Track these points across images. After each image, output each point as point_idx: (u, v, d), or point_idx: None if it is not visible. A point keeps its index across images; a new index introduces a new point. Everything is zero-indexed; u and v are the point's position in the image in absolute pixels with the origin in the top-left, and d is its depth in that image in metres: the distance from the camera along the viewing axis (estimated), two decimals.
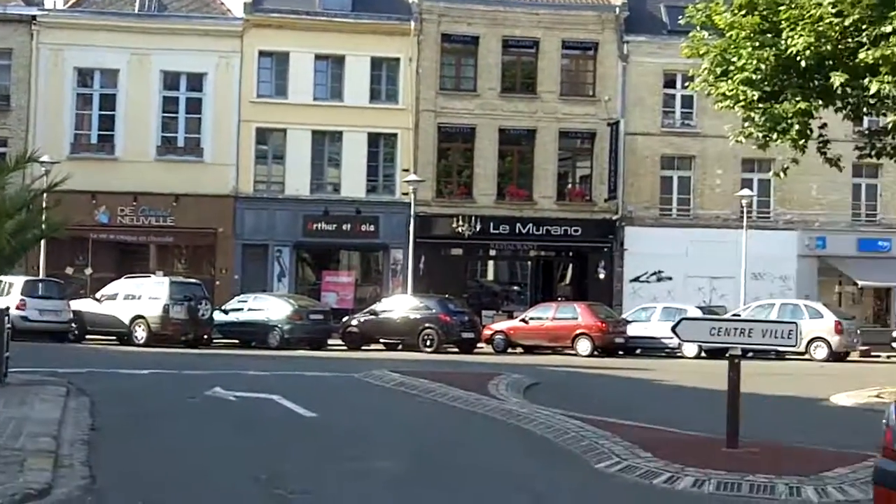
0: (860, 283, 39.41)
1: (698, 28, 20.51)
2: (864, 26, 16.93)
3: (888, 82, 16.53)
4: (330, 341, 32.20)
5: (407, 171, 36.91)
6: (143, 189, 36.68)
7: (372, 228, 38.39)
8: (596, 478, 10.57)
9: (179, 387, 18.03)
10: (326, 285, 38.77)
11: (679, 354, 31.09)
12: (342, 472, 10.48)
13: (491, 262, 42.70)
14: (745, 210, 35.30)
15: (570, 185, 40.78)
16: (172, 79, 37.90)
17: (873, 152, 21.91)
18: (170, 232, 37.52)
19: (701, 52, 20.10)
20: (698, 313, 29.10)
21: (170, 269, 36.26)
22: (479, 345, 32.45)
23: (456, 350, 31.28)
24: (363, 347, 31.63)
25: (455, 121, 38.89)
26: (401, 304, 32.70)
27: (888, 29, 16.16)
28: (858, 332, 33.43)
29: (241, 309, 32.42)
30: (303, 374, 21.43)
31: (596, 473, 10.74)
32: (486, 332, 33.19)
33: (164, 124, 37.94)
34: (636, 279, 39.00)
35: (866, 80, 17.00)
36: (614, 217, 39.13)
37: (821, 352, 31.40)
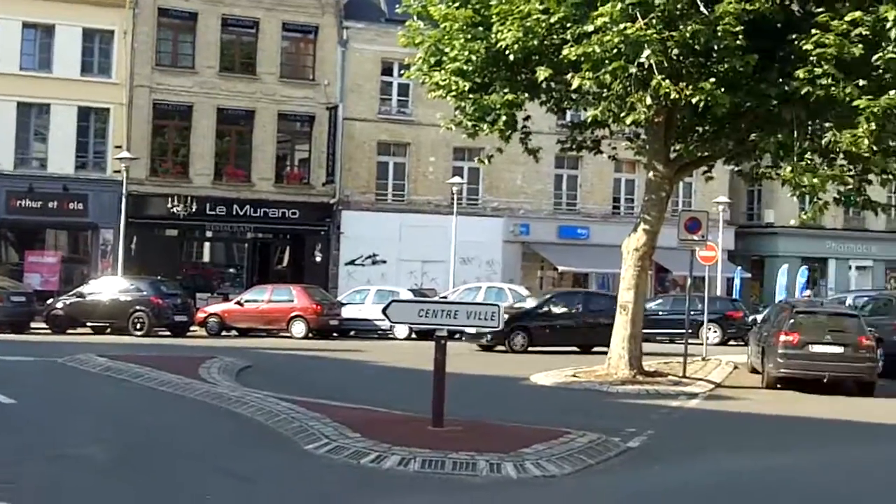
0: (560, 268, 41.51)
1: (415, 18, 20.91)
2: (568, 24, 17.72)
3: (589, 79, 17.40)
4: (33, 325, 30.62)
5: (119, 147, 35.56)
6: None
7: (80, 207, 36.79)
8: (305, 459, 10.69)
9: None
10: (30, 266, 36.80)
11: (391, 336, 31.72)
12: (44, 460, 10.10)
13: (207, 244, 41.99)
14: (455, 197, 36.41)
15: (288, 168, 40.67)
16: None
17: (574, 145, 23.18)
18: None
19: (416, 42, 20.50)
20: (410, 296, 29.78)
21: None
22: (192, 328, 31.83)
23: (168, 333, 30.55)
24: (69, 331, 30.31)
25: (171, 98, 37.88)
26: (110, 287, 31.51)
27: (590, 28, 16.98)
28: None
29: None
30: (1, 358, 20.37)
31: (305, 455, 10.86)
32: (200, 315, 32.62)
33: None
34: (352, 262, 39.43)
35: (569, 76, 17.84)
36: (332, 201, 39.36)
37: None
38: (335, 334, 32.28)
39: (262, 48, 38.82)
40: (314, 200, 39.23)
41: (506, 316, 27.03)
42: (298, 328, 31.47)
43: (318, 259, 39.21)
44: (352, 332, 32.86)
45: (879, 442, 14.23)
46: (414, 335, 30.87)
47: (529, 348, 27.53)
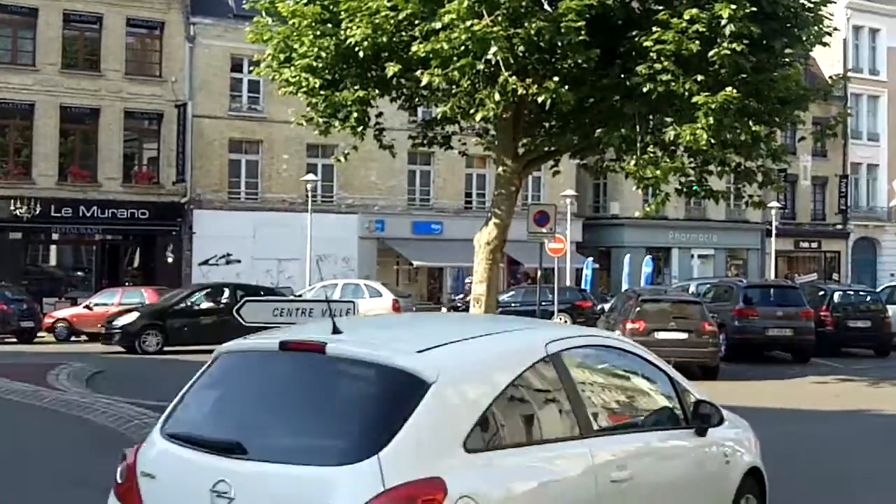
0: (415, 263, 41.80)
1: (263, 14, 20.78)
2: (416, 21, 17.87)
3: (438, 75, 17.56)
4: None
5: None
6: None
7: None
8: None
9: None
10: None
11: (247, 337, 31.31)
12: None
13: (53, 247, 40.66)
14: (309, 194, 36.19)
15: (136, 167, 39.76)
16: None
17: (426, 141, 23.40)
18: None
19: (265, 38, 20.38)
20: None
21: None
22: (40, 334, 30.86)
23: (14, 340, 29.53)
24: None
25: (11, 96, 36.59)
26: None
27: (438, 25, 17.16)
28: (414, 308, 35.46)
29: None
30: None
31: None
32: (48, 321, 31.66)
33: None
34: (205, 262, 38.86)
35: (419, 73, 17.99)
36: (182, 200, 38.70)
37: None
38: None
39: (106, 44, 37.86)
40: (164, 200, 38.51)
41: (135, 314, 26.58)
42: None
43: (170, 260, 38.53)
44: None
45: None
46: None
47: (166, 348, 25.68)
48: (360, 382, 4.84)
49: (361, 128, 20.30)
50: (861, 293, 30.08)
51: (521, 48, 17.09)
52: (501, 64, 16.84)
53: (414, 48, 17.56)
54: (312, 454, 4.54)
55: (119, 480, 5.24)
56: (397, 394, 4.63)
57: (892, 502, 9.77)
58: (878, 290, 31.90)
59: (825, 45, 20.13)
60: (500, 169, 20.88)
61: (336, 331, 5.13)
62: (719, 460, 6.41)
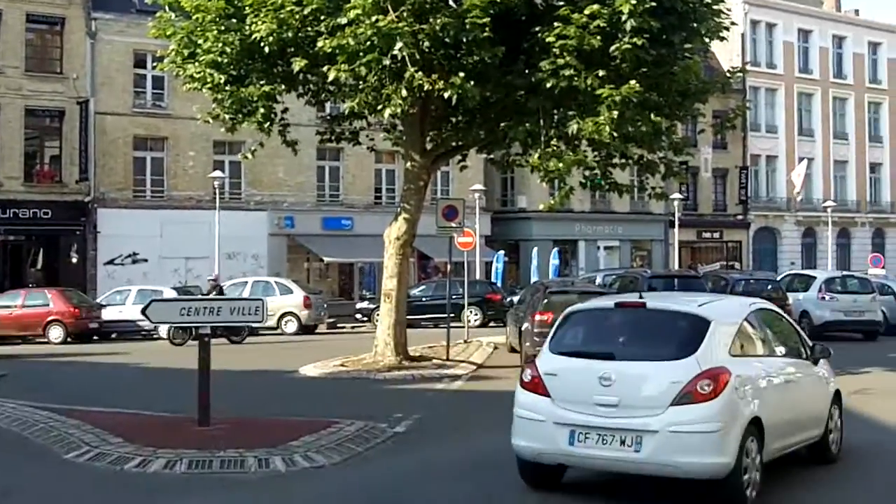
0: (326, 259, 41.65)
1: (166, 8, 20.51)
2: (322, 16, 17.81)
3: (344, 71, 17.52)
4: None
5: None
6: None
7: None
8: (65, 469, 10.42)
9: None
10: None
11: (156, 336, 30.96)
12: None
13: None
14: (217, 191, 35.76)
15: (38, 166, 38.91)
16: None
17: (333, 136, 23.35)
18: None
19: (168, 34, 20.12)
20: (174, 294, 29.24)
21: None
22: None
23: None
24: None
25: None
26: None
27: (344, 20, 17.13)
28: (326, 305, 35.38)
29: None
30: None
31: (65, 464, 10.58)
32: None
33: None
34: (111, 262, 38.20)
35: (325, 68, 17.92)
36: (86, 199, 37.97)
37: (291, 326, 32.86)
38: (96, 337, 31.24)
39: (5, 40, 36.95)
40: (68, 199, 37.74)
41: None
42: (56, 333, 30.25)
43: (75, 260, 37.79)
44: (114, 335, 31.89)
45: None
46: None
47: None
48: (672, 321, 9.17)
49: (268, 124, 20.17)
50: (762, 281, 30.76)
51: (427, 44, 17.15)
52: (407, 60, 16.90)
53: (320, 44, 17.49)
54: (656, 356, 8.72)
55: (527, 380, 9.05)
56: (696, 326, 8.83)
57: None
58: (778, 278, 32.67)
59: (723, 39, 20.55)
60: (409, 164, 20.96)
61: (640, 297, 9.62)
62: (823, 381, 10.80)
